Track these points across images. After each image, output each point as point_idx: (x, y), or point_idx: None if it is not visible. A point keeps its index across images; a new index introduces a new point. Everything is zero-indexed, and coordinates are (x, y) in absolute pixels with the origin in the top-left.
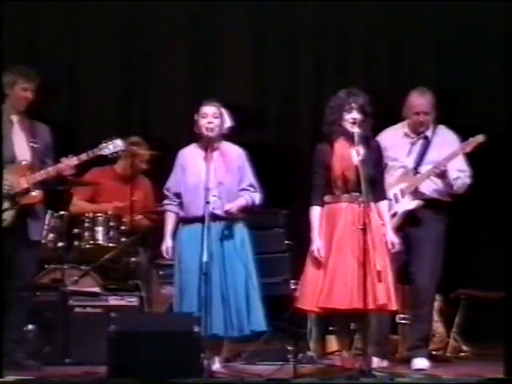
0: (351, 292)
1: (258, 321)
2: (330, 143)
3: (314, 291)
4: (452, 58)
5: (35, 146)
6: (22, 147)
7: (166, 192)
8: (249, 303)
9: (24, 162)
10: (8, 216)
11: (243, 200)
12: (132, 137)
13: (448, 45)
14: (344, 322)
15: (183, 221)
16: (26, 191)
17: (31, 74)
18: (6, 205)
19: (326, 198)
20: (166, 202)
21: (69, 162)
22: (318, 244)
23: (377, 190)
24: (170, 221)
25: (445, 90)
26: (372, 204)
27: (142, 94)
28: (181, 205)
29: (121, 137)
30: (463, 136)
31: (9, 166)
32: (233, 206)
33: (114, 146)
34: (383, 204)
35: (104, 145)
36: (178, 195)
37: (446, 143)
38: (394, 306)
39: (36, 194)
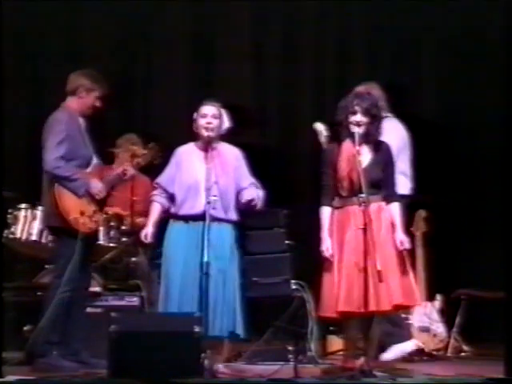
0: (365, 295)
1: (242, 324)
2: (339, 144)
3: (331, 297)
4: (452, 58)
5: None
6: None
7: (155, 185)
8: (236, 305)
9: (97, 164)
10: (99, 219)
11: (254, 192)
12: (129, 135)
13: (448, 46)
14: (358, 326)
15: (174, 217)
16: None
17: (105, 83)
18: (93, 208)
19: (335, 201)
20: (153, 193)
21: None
22: (327, 244)
23: (387, 193)
24: (154, 210)
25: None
26: (383, 204)
27: (143, 94)
28: (169, 199)
29: (120, 135)
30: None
31: (83, 168)
32: (253, 195)
33: None
34: (394, 206)
35: None
36: (167, 190)
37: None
38: (414, 301)
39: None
